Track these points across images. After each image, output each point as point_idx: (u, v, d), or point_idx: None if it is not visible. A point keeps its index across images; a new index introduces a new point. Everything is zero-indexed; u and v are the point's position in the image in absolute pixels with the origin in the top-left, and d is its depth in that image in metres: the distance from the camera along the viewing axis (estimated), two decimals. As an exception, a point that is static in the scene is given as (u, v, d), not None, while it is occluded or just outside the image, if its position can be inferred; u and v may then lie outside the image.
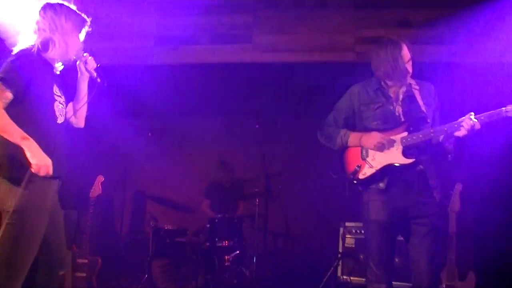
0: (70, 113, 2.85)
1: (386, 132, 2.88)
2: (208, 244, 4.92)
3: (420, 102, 2.91)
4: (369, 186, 2.91)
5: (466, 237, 4.82)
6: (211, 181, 5.84)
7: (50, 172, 2.40)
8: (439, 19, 4.55)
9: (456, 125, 2.75)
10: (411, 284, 2.98)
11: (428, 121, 2.89)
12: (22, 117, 2.44)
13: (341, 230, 4.87)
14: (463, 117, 2.74)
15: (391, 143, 2.86)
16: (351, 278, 4.65)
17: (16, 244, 2.40)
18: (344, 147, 3.02)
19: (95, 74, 2.79)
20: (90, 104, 2.88)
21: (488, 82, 4.38)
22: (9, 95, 2.43)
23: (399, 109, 2.93)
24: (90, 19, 2.83)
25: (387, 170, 2.85)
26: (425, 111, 2.89)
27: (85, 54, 2.78)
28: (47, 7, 2.66)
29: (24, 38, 2.64)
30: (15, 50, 2.61)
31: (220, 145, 6.13)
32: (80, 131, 3.00)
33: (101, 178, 4.64)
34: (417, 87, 2.97)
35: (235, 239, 4.93)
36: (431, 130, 2.83)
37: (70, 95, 2.86)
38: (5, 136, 2.38)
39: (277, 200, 5.30)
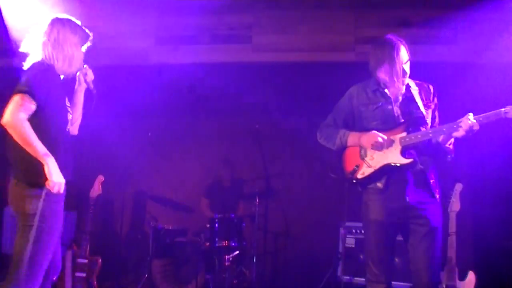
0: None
1: (385, 133, 2.88)
2: (208, 244, 4.92)
3: (419, 103, 2.92)
4: (368, 186, 2.91)
5: (466, 237, 4.82)
6: (211, 181, 5.84)
7: (62, 190, 2.57)
8: (439, 19, 4.55)
9: (454, 126, 2.75)
10: (411, 284, 2.99)
11: (427, 121, 2.89)
12: (40, 127, 2.59)
13: (341, 230, 4.87)
14: (462, 118, 2.74)
15: (390, 143, 2.86)
16: (351, 278, 4.65)
17: (36, 245, 2.57)
18: (343, 147, 3.03)
19: (92, 86, 2.93)
20: (86, 113, 3.02)
21: (488, 82, 4.38)
22: (33, 107, 2.58)
23: (398, 110, 2.94)
24: (92, 34, 2.94)
25: (386, 170, 2.86)
26: (424, 111, 2.90)
27: (85, 66, 2.93)
28: (55, 21, 2.81)
29: (33, 50, 2.77)
30: (29, 62, 2.75)
31: (220, 145, 6.14)
32: (80, 131, 3.06)
33: (101, 178, 4.64)
34: (416, 87, 2.98)
35: (235, 239, 4.94)
36: (430, 131, 2.83)
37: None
38: (29, 150, 2.54)
39: (277, 200, 5.30)
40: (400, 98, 2.95)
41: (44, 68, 2.69)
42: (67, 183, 2.66)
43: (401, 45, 2.92)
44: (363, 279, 3.06)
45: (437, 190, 2.89)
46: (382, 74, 2.93)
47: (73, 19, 2.88)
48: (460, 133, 2.73)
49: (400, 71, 2.89)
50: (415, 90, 2.96)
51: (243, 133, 5.84)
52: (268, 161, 5.21)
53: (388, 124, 2.91)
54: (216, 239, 4.88)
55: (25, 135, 2.52)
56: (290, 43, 4.75)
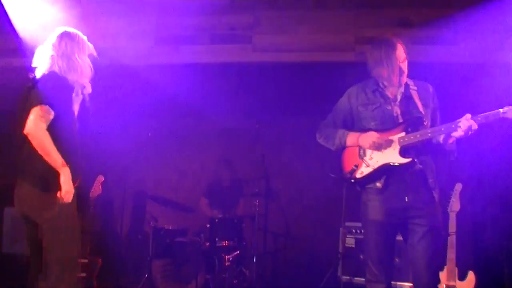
0: None
1: (384, 133, 2.88)
2: (208, 244, 4.92)
3: (418, 103, 2.92)
4: (367, 186, 2.92)
5: (466, 237, 4.82)
6: (211, 181, 5.84)
7: (70, 200, 2.73)
8: (439, 19, 4.54)
9: (453, 126, 2.76)
10: (411, 284, 2.99)
11: (426, 121, 2.89)
12: (56, 135, 2.73)
13: (341, 230, 4.87)
14: (461, 118, 2.75)
15: (389, 143, 2.86)
16: (351, 278, 4.65)
17: (62, 245, 2.77)
18: (342, 147, 3.03)
19: (87, 99, 3.03)
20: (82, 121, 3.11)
21: (488, 82, 4.38)
22: (52, 116, 2.73)
23: (397, 110, 2.94)
24: (94, 36, 3.13)
25: (385, 170, 2.86)
26: (423, 111, 2.90)
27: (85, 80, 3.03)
28: (63, 35, 2.95)
29: (43, 63, 2.90)
30: (39, 73, 2.87)
31: (220, 145, 6.14)
32: (80, 132, 3.06)
33: (101, 178, 4.63)
34: (415, 87, 2.98)
35: (235, 239, 4.94)
36: (429, 131, 2.84)
37: None
38: (47, 159, 2.69)
39: (277, 200, 5.30)
40: (399, 98, 2.96)
41: (59, 79, 2.82)
42: (77, 188, 2.81)
43: (398, 44, 2.92)
44: (363, 279, 3.06)
45: (437, 190, 2.89)
46: (379, 74, 2.94)
47: (80, 33, 3.03)
48: (458, 133, 2.74)
49: (398, 70, 2.89)
50: (414, 90, 2.96)
51: (243, 133, 5.84)
52: (268, 161, 5.21)
53: (387, 124, 2.91)
54: (216, 239, 4.89)
55: (45, 145, 2.68)
56: (290, 43, 4.75)
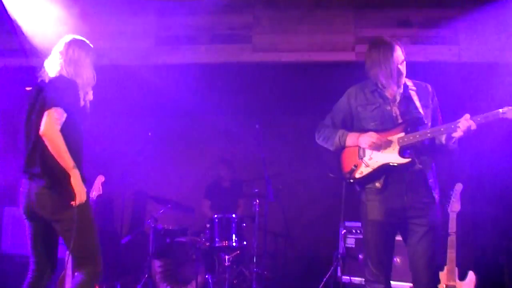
0: None
1: (384, 133, 2.88)
2: (208, 244, 4.92)
3: (417, 103, 2.92)
4: (366, 186, 2.92)
5: (466, 237, 4.82)
6: (211, 181, 5.84)
7: (84, 199, 2.84)
8: (439, 19, 4.55)
9: (452, 126, 2.76)
10: (411, 284, 2.99)
11: (425, 121, 2.89)
12: (65, 135, 2.81)
13: (341, 230, 4.87)
14: (460, 119, 2.75)
15: (388, 143, 2.86)
16: (351, 278, 4.65)
17: (85, 240, 2.92)
18: (342, 147, 3.03)
19: (88, 106, 3.11)
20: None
21: (488, 82, 4.38)
22: (64, 118, 2.83)
23: (396, 110, 2.94)
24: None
25: (384, 170, 2.86)
26: (422, 111, 2.90)
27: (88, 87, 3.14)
28: (71, 42, 3.08)
29: (51, 68, 3.01)
30: (50, 76, 2.97)
31: (220, 145, 6.13)
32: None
33: (101, 178, 4.63)
34: (414, 88, 2.98)
35: (235, 239, 4.94)
36: (428, 131, 2.84)
37: None
38: (60, 160, 2.79)
39: (277, 200, 5.30)
40: (398, 98, 2.96)
41: (69, 82, 2.94)
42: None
43: (396, 45, 2.91)
44: (363, 279, 3.06)
45: (436, 190, 2.89)
46: (377, 75, 2.93)
47: (87, 40, 3.15)
48: (458, 133, 2.74)
49: (395, 71, 2.89)
50: (413, 90, 2.96)
51: (243, 133, 5.84)
52: (268, 161, 5.21)
53: (386, 125, 2.91)
54: (216, 239, 4.89)
55: (60, 147, 2.77)
56: (290, 43, 4.75)
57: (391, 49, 2.88)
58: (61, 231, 2.91)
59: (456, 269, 3.69)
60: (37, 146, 2.86)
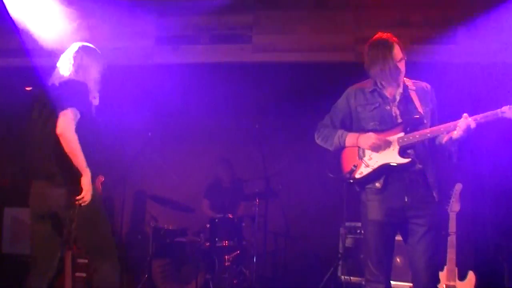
0: None
1: (383, 133, 2.88)
2: (208, 244, 4.92)
3: (417, 103, 2.92)
4: (366, 186, 2.91)
5: (466, 237, 4.82)
6: (211, 181, 5.84)
7: (89, 200, 2.93)
8: (439, 19, 4.54)
9: (452, 126, 2.76)
10: (411, 284, 2.99)
11: (425, 121, 2.89)
12: (78, 134, 2.91)
13: (341, 230, 4.87)
14: (460, 120, 2.75)
15: (388, 143, 2.86)
16: (351, 278, 4.65)
17: (102, 235, 3.11)
18: (341, 148, 3.02)
19: (93, 111, 3.20)
20: None
21: (488, 82, 4.38)
22: (77, 119, 2.93)
23: (395, 110, 2.93)
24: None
25: (384, 170, 2.86)
26: (421, 111, 2.89)
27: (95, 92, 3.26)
28: (80, 48, 3.21)
29: (61, 73, 3.13)
30: (60, 79, 3.08)
31: (220, 145, 6.13)
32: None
33: (101, 178, 4.62)
34: (413, 87, 2.97)
35: (235, 239, 4.94)
36: (428, 131, 2.83)
37: None
38: (74, 160, 2.88)
39: (277, 200, 5.30)
40: (398, 98, 2.95)
41: (81, 84, 3.06)
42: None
43: (395, 43, 2.91)
44: (363, 279, 3.06)
45: (436, 190, 2.89)
46: (376, 74, 2.93)
47: (95, 48, 3.28)
48: (458, 133, 2.74)
49: (394, 69, 2.88)
50: (412, 90, 2.96)
51: (243, 133, 5.84)
52: (268, 161, 5.21)
53: (386, 125, 2.91)
54: (216, 239, 4.89)
55: (75, 147, 2.87)
56: (290, 43, 4.75)
57: (390, 47, 2.88)
58: (76, 228, 2.93)
59: (456, 269, 3.69)
60: (50, 146, 2.94)
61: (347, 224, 4.83)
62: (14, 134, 5.90)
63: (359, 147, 2.94)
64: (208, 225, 5.01)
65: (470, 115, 2.74)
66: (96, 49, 3.28)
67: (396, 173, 2.84)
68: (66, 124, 2.86)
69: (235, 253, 4.91)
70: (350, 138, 2.97)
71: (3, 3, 4.37)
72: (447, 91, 3.62)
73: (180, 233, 5.17)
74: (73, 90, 2.99)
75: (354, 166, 2.92)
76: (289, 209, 5.55)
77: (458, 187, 3.76)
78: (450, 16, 4.52)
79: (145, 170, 6.01)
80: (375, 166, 2.87)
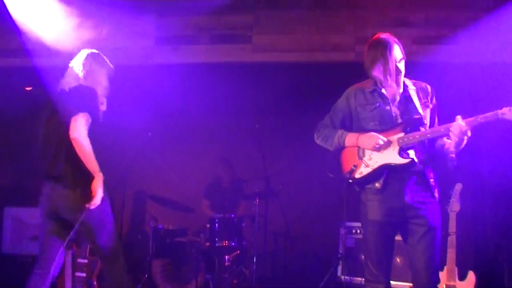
0: None
1: (383, 133, 2.88)
2: (208, 244, 4.92)
3: (417, 103, 2.91)
4: (366, 186, 2.91)
5: (466, 237, 4.82)
6: (211, 181, 5.84)
7: (98, 203, 3.01)
8: (439, 19, 4.54)
9: (450, 128, 2.74)
10: (411, 284, 2.99)
11: (425, 121, 2.89)
12: (90, 138, 3.02)
13: (341, 230, 4.87)
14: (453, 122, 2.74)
15: (388, 143, 2.86)
16: (351, 278, 4.65)
17: (109, 236, 3.17)
18: (341, 147, 3.02)
19: (101, 116, 3.30)
20: None
21: (488, 82, 4.38)
22: (89, 122, 3.04)
23: (395, 110, 2.93)
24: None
25: (384, 170, 2.85)
26: (421, 112, 2.89)
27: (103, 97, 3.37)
28: (89, 56, 3.31)
29: (70, 79, 3.22)
30: (71, 85, 3.18)
31: (220, 145, 6.13)
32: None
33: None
34: (413, 87, 2.97)
35: (235, 239, 4.94)
36: (428, 131, 2.83)
37: None
38: (87, 163, 2.98)
39: (277, 200, 5.30)
40: (398, 98, 2.95)
41: (92, 90, 3.17)
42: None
43: (395, 43, 2.90)
44: (363, 279, 3.06)
45: (436, 190, 2.89)
46: (376, 74, 2.93)
47: (102, 55, 3.39)
48: (452, 137, 2.73)
49: (394, 70, 2.88)
50: (412, 90, 2.95)
51: (243, 133, 5.84)
52: (268, 161, 5.21)
53: (386, 125, 2.91)
54: (216, 239, 4.89)
55: (88, 151, 2.97)
56: (290, 43, 4.75)
57: (389, 47, 2.88)
58: (85, 230, 3.08)
59: (456, 269, 3.69)
60: (61, 149, 3.03)
61: (347, 224, 4.83)
62: (14, 134, 5.91)
63: (359, 147, 2.94)
64: (208, 225, 5.01)
65: (470, 115, 2.74)
66: (104, 56, 3.39)
67: (396, 173, 2.84)
68: (79, 129, 2.95)
69: (235, 253, 4.91)
70: (350, 138, 2.97)
71: (3, 3, 4.37)
72: (447, 91, 3.61)
73: (180, 233, 5.17)
74: (84, 96, 3.09)
75: (354, 166, 2.92)
76: (289, 209, 5.55)
77: (458, 187, 3.76)
78: (450, 16, 4.52)
79: (145, 170, 6.01)
80: (375, 166, 2.87)
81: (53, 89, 3.25)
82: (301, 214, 5.80)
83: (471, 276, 3.71)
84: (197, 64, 4.89)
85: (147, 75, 5.01)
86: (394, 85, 2.93)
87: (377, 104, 2.94)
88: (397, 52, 2.90)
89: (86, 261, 4.41)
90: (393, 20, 4.60)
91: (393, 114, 2.92)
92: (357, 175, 2.91)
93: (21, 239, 5.27)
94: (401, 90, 2.95)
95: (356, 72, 3.15)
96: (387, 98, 2.95)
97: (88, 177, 2.99)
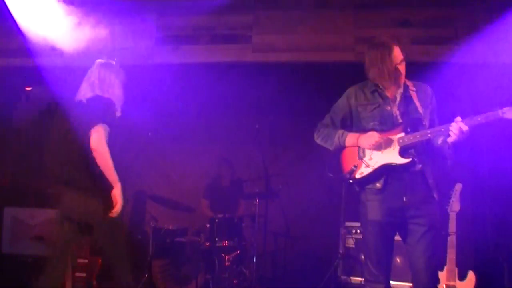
0: None
1: (384, 133, 2.88)
2: (208, 244, 4.92)
3: (417, 103, 2.92)
4: (366, 186, 2.91)
5: (466, 237, 4.82)
6: (211, 181, 5.84)
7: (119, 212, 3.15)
8: (439, 19, 4.54)
9: (450, 127, 2.75)
10: (411, 284, 2.99)
11: (425, 122, 2.89)
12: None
13: (341, 230, 4.87)
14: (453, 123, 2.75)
15: (388, 143, 2.86)
16: (351, 278, 4.65)
17: (121, 243, 3.37)
18: (341, 147, 3.02)
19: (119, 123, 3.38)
20: None
21: (488, 82, 4.38)
22: (108, 132, 3.13)
23: (396, 110, 2.93)
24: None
25: (384, 170, 2.86)
26: (421, 112, 2.90)
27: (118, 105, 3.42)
28: (102, 65, 3.39)
29: (86, 88, 3.31)
30: (88, 96, 3.26)
31: (220, 145, 6.13)
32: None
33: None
34: (414, 88, 2.97)
35: (235, 239, 4.94)
36: (428, 131, 2.84)
37: None
38: (107, 173, 3.08)
39: (277, 200, 5.30)
40: (398, 98, 2.95)
41: (109, 101, 3.25)
42: None
43: (394, 45, 2.90)
44: (363, 279, 3.06)
45: (436, 190, 2.89)
46: (375, 75, 2.92)
47: (114, 63, 3.46)
48: (451, 136, 2.73)
49: (394, 72, 2.88)
50: (413, 91, 2.95)
51: (243, 133, 5.84)
52: (268, 161, 5.21)
53: (386, 125, 2.91)
54: (216, 239, 4.89)
55: (109, 161, 3.08)
56: (290, 43, 4.75)
57: (389, 49, 2.87)
58: (101, 235, 3.23)
59: (456, 269, 3.69)
60: (81, 158, 3.12)
61: (347, 224, 4.82)
62: (15, 134, 5.91)
63: (359, 147, 2.94)
64: (208, 225, 5.01)
65: (470, 115, 2.74)
66: (118, 65, 3.47)
67: (396, 173, 2.85)
68: (99, 140, 3.06)
69: (235, 253, 4.91)
70: (350, 138, 2.97)
71: (4, 2, 4.37)
72: (447, 91, 3.61)
73: (180, 233, 5.17)
74: (102, 107, 3.19)
75: (355, 166, 2.92)
76: (289, 209, 5.55)
77: (458, 187, 3.76)
78: (450, 16, 4.52)
79: (145, 170, 6.01)
80: (376, 166, 2.87)
81: (70, 99, 3.35)
82: (301, 214, 5.79)
83: (471, 276, 3.71)
84: (197, 64, 4.89)
85: (147, 75, 5.01)
86: (395, 85, 2.93)
87: (378, 104, 2.95)
88: (397, 54, 2.89)
89: (86, 261, 4.41)
90: (393, 20, 4.60)
91: (394, 114, 2.92)
92: (357, 175, 2.91)
93: (21, 239, 5.27)
94: (401, 90, 2.95)
95: (356, 72, 3.15)
96: (388, 98, 2.95)
97: (105, 186, 3.10)
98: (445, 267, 3.68)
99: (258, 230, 5.07)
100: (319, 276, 4.80)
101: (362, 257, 4.53)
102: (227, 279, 4.76)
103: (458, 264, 3.68)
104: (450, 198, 3.74)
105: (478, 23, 4.41)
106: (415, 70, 3.11)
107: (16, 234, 5.30)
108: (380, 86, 2.96)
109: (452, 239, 3.69)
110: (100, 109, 3.18)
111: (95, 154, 3.07)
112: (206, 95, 5.48)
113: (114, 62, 3.46)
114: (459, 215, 3.73)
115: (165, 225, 5.09)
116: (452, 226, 3.71)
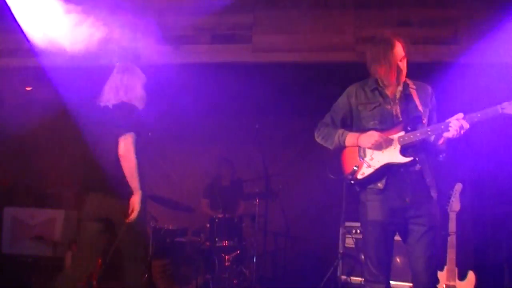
0: None
1: (384, 132, 2.88)
2: (208, 244, 4.92)
3: (417, 102, 2.91)
4: (367, 186, 2.90)
5: (466, 237, 4.82)
6: (211, 181, 5.84)
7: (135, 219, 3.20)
8: (439, 19, 4.55)
9: (449, 124, 2.75)
10: (411, 284, 2.99)
11: (425, 120, 2.89)
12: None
13: (341, 230, 4.87)
14: (452, 117, 2.76)
15: (389, 142, 2.86)
16: (351, 278, 4.65)
17: (141, 245, 3.41)
18: (341, 147, 3.02)
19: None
20: None
21: (488, 82, 4.38)
22: (135, 141, 3.22)
23: (396, 109, 2.93)
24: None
25: (386, 170, 2.85)
26: (421, 110, 2.90)
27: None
28: (125, 68, 3.46)
29: (110, 93, 3.35)
30: (113, 102, 3.32)
31: (220, 145, 6.13)
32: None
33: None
34: (414, 87, 2.97)
35: (235, 239, 4.94)
36: (428, 129, 2.83)
37: None
38: (131, 180, 3.17)
39: (277, 200, 5.30)
40: (398, 97, 2.95)
41: (134, 108, 3.32)
42: None
43: (397, 42, 2.90)
44: (363, 279, 3.06)
45: (434, 189, 2.88)
46: (377, 72, 2.93)
47: (135, 66, 3.53)
48: (451, 132, 2.74)
49: (395, 68, 2.88)
50: (413, 89, 2.95)
51: (243, 133, 5.84)
52: (268, 161, 5.21)
53: (386, 124, 2.91)
54: (216, 239, 4.89)
55: (134, 169, 3.17)
56: (290, 43, 4.75)
57: (391, 46, 2.88)
58: (126, 238, 3.24)
59: (456, 269, 3.69)
60: (108, 162, 3.19)
61: (347, 224, 4.82)
62: (15, 134, 5.90)
63: (359, 147, 2.94)
64: (208, 225, 5.01)
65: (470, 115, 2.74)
66: (138, 68, 3.53)
67: (397, 172, 2.84)
68: (128, 148, 3.15)
69: (235, 253, 4.91)
70: (351, 138, 2.97)
71: (4, 2, 4.37)
72: (447, 91, 3.62)
73: (180, 233, 5.17)
74: (131, 116, 3.26)
75: (356, 166, 2.91)
76: (289, 209, 5.55)
77: (458, 186, 3.76)
78: (450, 16, 4.52)
79: (145, 170, 6.00)
80: (377, 166, 2.86)
81: (83, 101, 3.44)
82: (301, 214, 5.80)
83: (471, 276, 3.71)
84: (198, 64, 4.89)
85: (147, 75, 5.00)
86: (395, 83, 2.93)
87: (378, 103, 2.94)
88: (399, 50, 2.89)
89: (86, 261, 4.40)
90: (393, 20, 4.60)
91: (394, 113, 2.92)
92: (359, 176, 2.90)
93: (21, 239, 5.27)
94: (401, 89, 2.95)
95: (356, 72, 3.15)
96: (388, 97, 2.95)
97: (126, 191, 3.18)
98: (445, 267, 3.68)
99: (258, 230, 5.07)
100: (319, 276, 4.80)
101: (362, 257, 4.54)
102: (227, 279, 4.76)
103: (458, 264, 3.69)
104: (450, 198, 3.74)
105: (478, 23, 4.41)
106: (415, 70, 3.11)
107: (16, 234, 5.30)
108: (381, 84, 2.96)
109: (452, 239, 3.69)
110: (129, 119, 3.24)
111: (122, 160, 3.15)
112: (206, 95, 5.47)
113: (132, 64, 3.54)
114: (459, 215, 3.74)
115: (165, 225, 5.09)
116: (452, 226, 3.71)
